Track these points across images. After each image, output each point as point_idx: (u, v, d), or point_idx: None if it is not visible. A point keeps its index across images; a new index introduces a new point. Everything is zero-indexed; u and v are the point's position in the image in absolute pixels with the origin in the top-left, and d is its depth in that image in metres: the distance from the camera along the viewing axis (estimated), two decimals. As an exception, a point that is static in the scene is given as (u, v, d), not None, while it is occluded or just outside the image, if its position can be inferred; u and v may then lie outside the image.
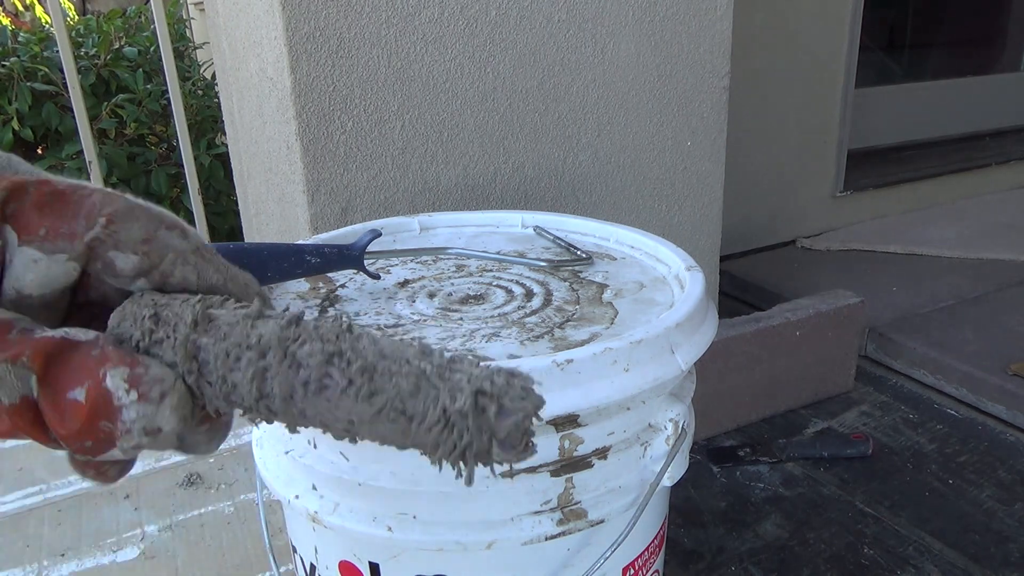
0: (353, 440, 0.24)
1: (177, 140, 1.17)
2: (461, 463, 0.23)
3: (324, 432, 0.24)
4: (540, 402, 0.23)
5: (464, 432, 0.22)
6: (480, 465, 0.23)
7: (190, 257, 0.25)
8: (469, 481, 0.23)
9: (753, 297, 1.66)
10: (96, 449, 0.22)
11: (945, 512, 1.01)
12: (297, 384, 0.23)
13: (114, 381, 0.22)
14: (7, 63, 1.64)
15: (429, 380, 0.23)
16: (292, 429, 0.24)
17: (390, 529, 0.49)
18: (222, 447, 1.21)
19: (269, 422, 0.24)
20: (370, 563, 0.52)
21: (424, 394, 0.23)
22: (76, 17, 2.47)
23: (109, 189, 0.25)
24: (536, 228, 0.77)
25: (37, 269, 0.23)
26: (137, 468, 1.23)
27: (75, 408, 0.22)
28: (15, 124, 1.61)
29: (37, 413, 0.22)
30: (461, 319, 0.57)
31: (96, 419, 0.22)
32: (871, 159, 2.08)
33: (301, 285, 0.64)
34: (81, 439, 0.22)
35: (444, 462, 0.23)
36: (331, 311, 0.60)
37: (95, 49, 1.80)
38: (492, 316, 0.58)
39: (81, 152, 1.16)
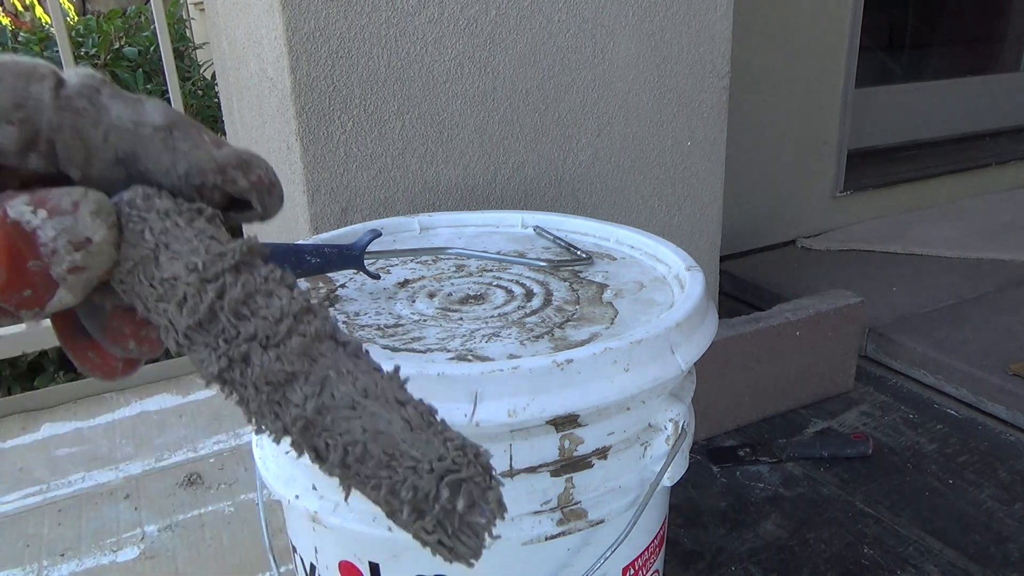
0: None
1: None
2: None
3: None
4: (500, 496, 0.22)
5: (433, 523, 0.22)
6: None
7: (64, 117, 0.21)
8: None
9: (753, 297, 1.66)
10: (37, 297, 0.20)
11: (945, 512, 1.01)
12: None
13: (16, 208, 0.20)
14: (7, 63, 1.63)
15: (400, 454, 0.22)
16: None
17: (390, 529, 0.49)
18: (222, 447, 1.20)
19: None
20: (370, 563, 0.52)
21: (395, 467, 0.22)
22: (76, 17, 2.47)
23: None
24: (536, 228, 0.77)
25: None
26: (137, 468, 1.23)
27: None
28: (15, 124, 1.61)
29: None
30: (461, 319, 0.57)
31: (17, 260, 0.20)
32: (871, 159, 2.08)
33: (301, 285, 0.64)
34: (16, 288, 0.20)
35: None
36: (331, 311, 0.60)
37: (95, 49, 1.80)
38: (492, 316, 0.58)
39: (81, 152, 1.16)
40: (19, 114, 0.21)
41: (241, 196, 0.24)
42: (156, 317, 0.22)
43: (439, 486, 0.21)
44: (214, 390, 0.24)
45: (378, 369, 0.23)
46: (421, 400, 0.23)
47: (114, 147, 0.22)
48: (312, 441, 0.22)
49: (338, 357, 0.23)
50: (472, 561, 0.22)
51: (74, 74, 0.22)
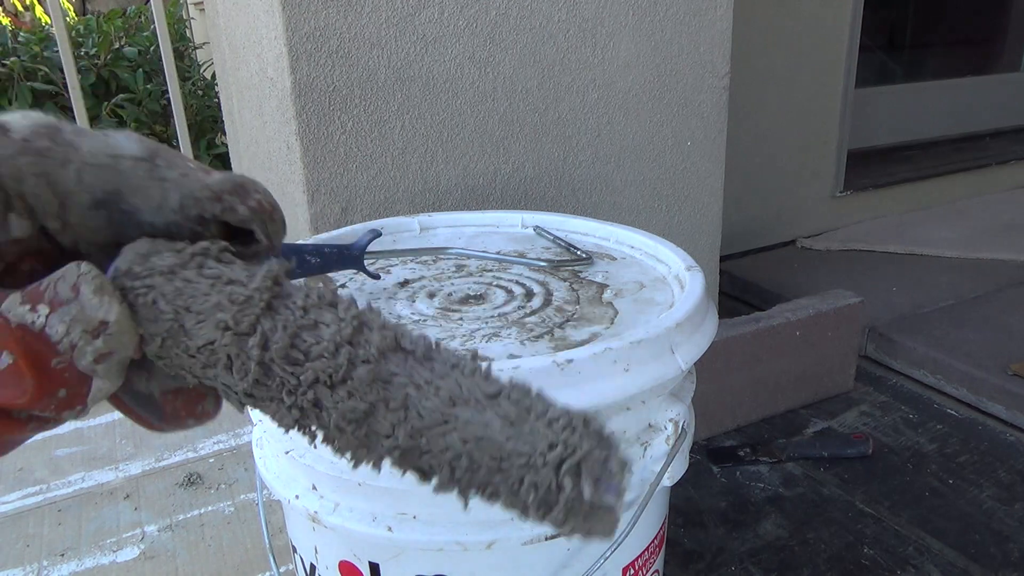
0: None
1: (177, 140, 1.17)
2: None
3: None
4: (622, 457, 0.20)
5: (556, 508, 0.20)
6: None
7: (21, 162, 0.19)
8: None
9: (753, 297, 1.66)
10: (75, 394, 0.18)
11: (945, 512, 1.01)
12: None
13: (15, 312, 0.18)
14: (7, 63, 1.64)
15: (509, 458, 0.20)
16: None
17: (390, 529, 0.49)
18: (222, 447, 1.21)
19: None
20: (370, 563, 0.52)
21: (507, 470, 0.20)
22: (76, 17, 2.47)
23: None
24: (536, 228, 0.77)
25: None
26: (137, 468, 1.24)
27: (13, 371, 0.18)
28: (15, 124, 1.61)
29: None
30: (461, 319, 0.57)
31: (39, 363, 0.18)
32: (871, 159, 2.08)
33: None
34: (49, 393, 0.18)
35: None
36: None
37: (95, 49, 1.80)
38: (492, 316, 0.58)
39: (81, 152, 1.16)
40: None
41: (242, 225, 0.22)
42: (210, 383, 0.20)
43: (559, 477, 0.20)
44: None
45: (456, 364, 0.21)
46: (511, 381, 0.21)
47: (91, 188, 0.20)
48: (414, 465, 0.21)
49: (411, 369, 0.21)
50: (611, 536, 0.20)
51: (20, 116, 0.20)
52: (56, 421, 0.19)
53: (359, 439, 0.20)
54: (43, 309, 0.18)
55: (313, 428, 0.21)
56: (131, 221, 0.20)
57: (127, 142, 0.20)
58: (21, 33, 1.86)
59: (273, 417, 0.21)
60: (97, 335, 0.18)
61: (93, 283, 0.19)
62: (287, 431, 0.21)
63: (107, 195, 0.20)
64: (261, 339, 0.20)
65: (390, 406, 0.20)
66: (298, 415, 0.20)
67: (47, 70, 1.67)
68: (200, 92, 1.96)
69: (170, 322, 0.20)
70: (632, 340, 0.48)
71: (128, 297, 0.20)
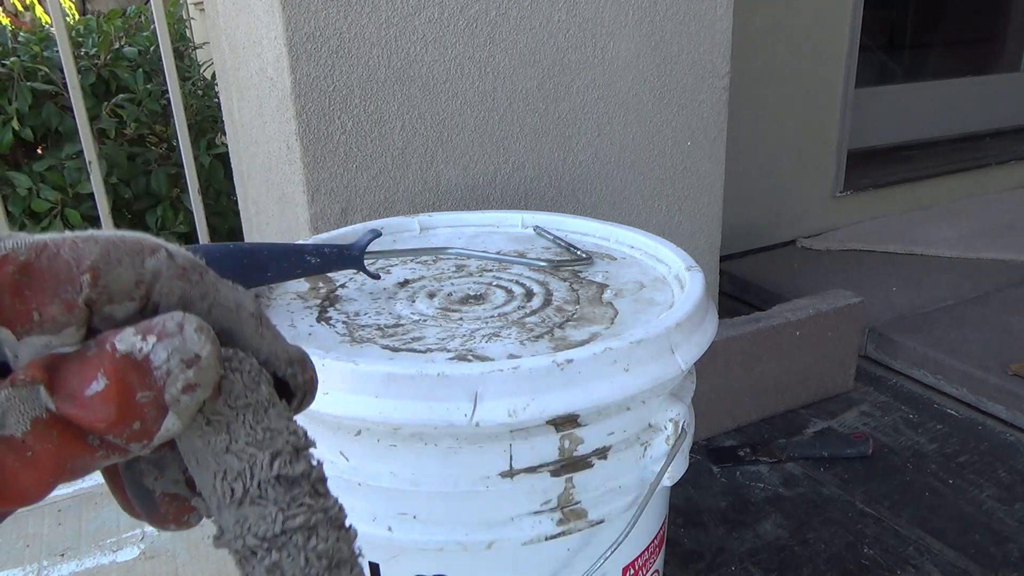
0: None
1: (177, 140, 1.17)
2: None
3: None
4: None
5: None
6: None
7: (176, 285, 0.23)
8: None
9: (753, 297, 1.66)
10: (147, 428, 0.21)
11: (945, 512, 1.01)
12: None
13: (126, 341, 0.20)
14: (7, 63, 1.64)
15: None
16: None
17: (390, 529, 0.49)
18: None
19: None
20: (370, 563, 0.52)
21: None
22: (76, 17, 2.47)
23: (72, 232, 0.22)
24: (536, 228, 0.77)
25: (51, 349, 0.21)
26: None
27: (102, 396, 0.20)
28: (15, 124, 1.61)
29: (64, 426, 0.20)
30: (461, 319, 0.57)
31: (129, 392, 0.20)
32: (871, 159, 2.08)
33: (301, 285, 0.64)
34: (126, 422, 0.20)
35: None
36: (331, 311, 0.60)
37: (95, 49, 1.80)
38: (492, 316, 0.58)
39: (81, 152, 1.16)
40: (141, 291, 0.22)
41: (293, 390, 0.26)
42: (231, 459, 0.23)
43: None
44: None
45: None
46: None
47: (214, 322, 0.23)
48: None
49: None
50: None
51: (178, 248, 0.23)
52: (122, 452, 0.22)
53: None
54: (151, 339, 0.21)
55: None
56: None
57: (248, 298, 0.25)
58: (21, 33, 1.86)
59: (257, 522, 0.23)
60: (191, 366, 0.21)
61: (196, 323, 0.22)
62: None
63: (221, 332, 0.23)
64: (307, 467, 0.24)
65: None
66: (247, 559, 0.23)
67: (47, 70, 1.67)
68: (200, 92, 1.96)
69: (262, 400, 0.23)
70: (632, 340, 0.48)
71: (232, 363, 0.23)
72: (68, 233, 0.22)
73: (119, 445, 0.21)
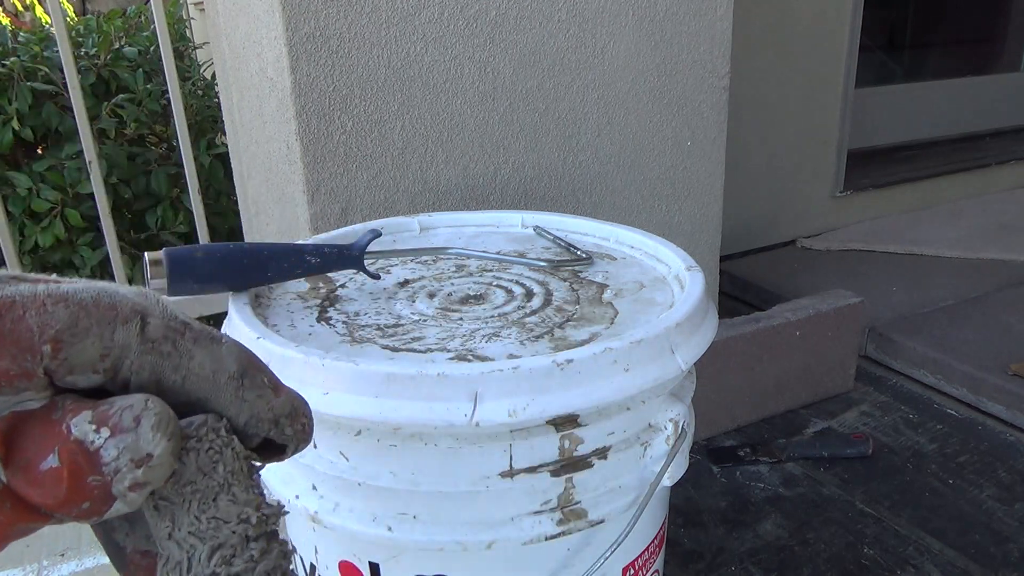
0: None
1: (177, 140, 1.17)
2: None
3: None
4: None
5: None
6: None
7: (145, 360, 0.22)
8: None
9: (753, 297, 1.66)
10: (95, 508, 0.21)
11: (945, 512, 1.01)
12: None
13: (80, 428, 0.20)
14: (7, 63, 1.64)
15: None
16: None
17: (390, 529, 0.49)
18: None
19: None
20: (370, 563, 0.52)
21: None
22: (76, 17, 2.47)
23: (47, 288, 0.21)
24: (536, 228, 0.77)
25: (12, 406, 0.21)
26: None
27: (54, 475, 0.20)
28: (15, 124, 1.61)
29: (17, 498, 0.20)
30: (461, 319, 0.57)
31: (79, 476, 0.20)
32: (871, 159, 2.08)
33: (301, 285, 0.64)
34: (75, 503, 0.20)
35: None
36: (331, 311, 0.60)
37: (95, 49, 1.80)
38: (492, 316, 0.58)
39: (81, 152, 1.16)
40: (105, 364, 0.21)
41: (283, 443, 0.25)
42: (172, 546, 0.22)
43: None
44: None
45: None
46: None
47: (188, 393, 0.23)
48: None
49: None
50: None
51: (159, 314, 0.23)
52: (69, 520, 0.21)
53: None
54: (105, 432, 0.20)
55: None
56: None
57: (229, 359, 0.23)
58: (21, 33, 1.86)
59: None
60: (140, 466, 0.21)
61: (154, 419, 0.21)
62: None
63: (196, 401, 0.23)
64: (261, 549, 0.23)
65: None
66: None
67: (47, 70, 1.67)
68: (200, 92, 1.96)
69: (216, 485, 0.22)
70: (632, 340, 0.48)
71: (190, 442, 0.22)
72: (42, 288, 0.21)
73: (66, 519, 0.21)
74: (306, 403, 0.25)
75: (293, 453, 0.25)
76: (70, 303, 0.21)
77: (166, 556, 0.22)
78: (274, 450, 0.25)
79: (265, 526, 0.23)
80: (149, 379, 0.22)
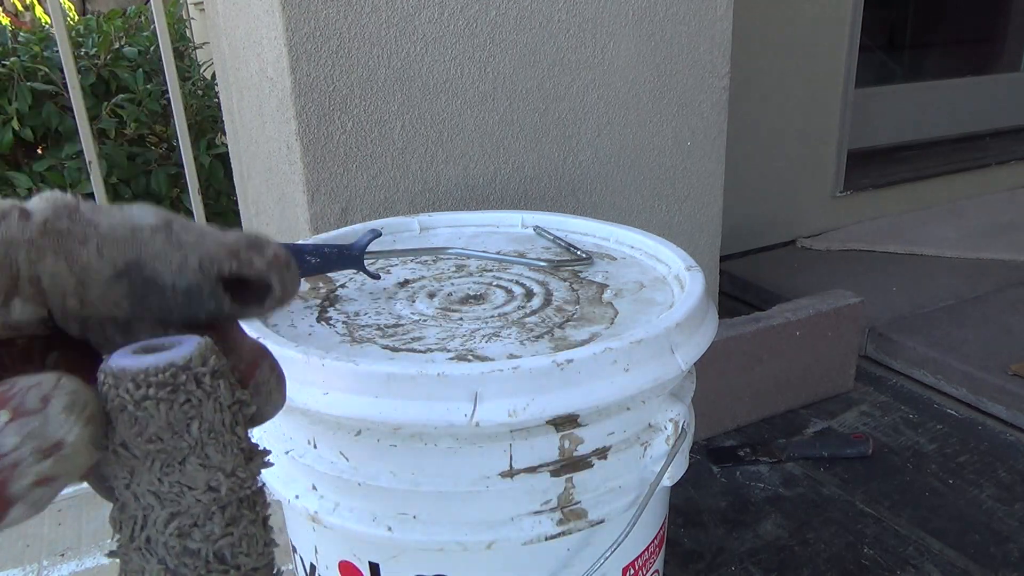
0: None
1: (177, 140, 1.17)
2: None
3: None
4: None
5: None
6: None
7: (43, 245, 0.19)
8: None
9: (753, 297, 1.66)
10: None
11: (945, 512, 1.01)
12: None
13: None
14: (7, 63, 1.64)
15: None
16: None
17: (390, 529, 0.49)
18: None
19: None
20: (370, 563, 0.52)
21: None
22: (76, 17, 2.47)
23: None
24: (536, 228, 0.77)
25: None
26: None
27: None
28: (15, 124, 1.61)
29: None
30: (461, 319, 0.57)
31: None
32: (871, 159, 2.08)
33: (301, 285, 0.64)
34: None
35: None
36: (331, 311, 0.60)
37: (95, 49, 1.80)
38: (492, 316, 0.58)
39: (81, 152, 1.16)
40: None
41: (260, 279, 0.21)
42: (128, 496, 0.19)
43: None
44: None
45: None
46: None
47: (112, 260, 0.20)
48: None
49: None
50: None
51: (39, 199, 0.20)
52: None
53: None
54: (3, 416, 0.17)
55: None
56: (153, 288, 0.20)
57: (143, 213, 0.20)
58: (21, 33, 1.86)
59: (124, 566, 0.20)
60: (48, 456, 0.17)
61: (66, 398, 0.17)
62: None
63: (128, 265, 0.20)
64: (227, 520, 0.20)
65: None
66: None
67: (47, 70, 1.67)
68: (200, 92, 1.96)
69: (186, 447, 0.19)
70: (632, 340, 0.48)
71: (158, 393, 0.19)
72: None
73: None
74: (270, 238, 0.22)
75: (283, 288, 0.22)
76: None
77: (121, 503, 0.19)
78: (256, 294, 0.21)
79: (238, 491, 0.20)
80: (58, 264, 0.19)
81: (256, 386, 0.21)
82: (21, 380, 0.17)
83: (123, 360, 0.19)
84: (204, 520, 0.19)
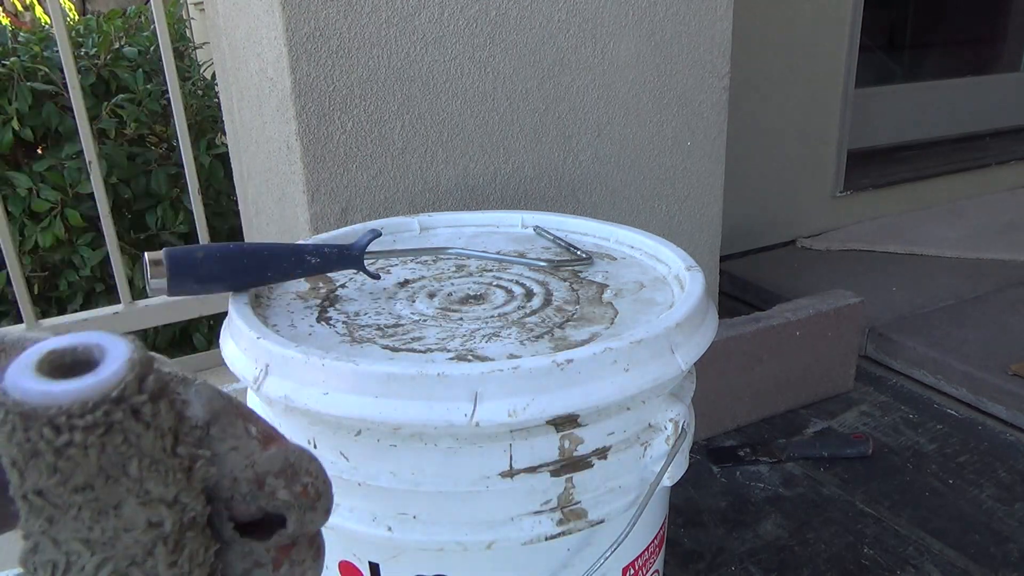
0: None
1: (177, 140, 1.17)
2: None
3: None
4: None
5: None
6: None
7: None
8: None
9: (753, 297, 1.66)
10: None
11: (945, 512, 1.01)
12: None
13: None
14: (7, 63, 1.64)
15: None
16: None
17: (390, 529, 0.49)
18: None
19: None
20: (370, 563, 0.52)
21: None
22: (76, 17, 2.47)
23: None
24: (536, 228, 0.77)
25: None
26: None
27: None
28: (15, 124, 1.61)
29: None
30: (461, 319, 0.57)
31: None
32: (871, 159, 2.08)
33: (301, 285, 0.64)
34: None
35: None
36: (331, 311, 0.60)
37: (95, 49, 1.80)
38: (492, 316, 0.58)
39: (81, 152, 1.16)
40: None
41: (277, 512, 0.19)
42: (45, 541, 0.16)
43: None
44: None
45: None
46: None
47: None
48: None
49: None
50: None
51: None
52: None
53: None
54: None
55: None
56: None
57: (197, 404, 0.18)
58: (21, 33, 1.85)
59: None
60: None
61: None
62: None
63: None
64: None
65: None
66: None
67: (47, 70, 1.67)
68: (200, 92, 1.96)
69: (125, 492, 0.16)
70: (632, 340, 0.48)
71: (87, 439, 0.15)
72: None
73: None
74: (315, 460, 0.19)
75: (300, 527, 0.19)
76: None
77: (34, 543, 0.16)
78: (272, 524, 0.19)
79: (183, 517, 0.16)
80: None
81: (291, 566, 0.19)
82: None
83: (26, 384, 0.15)
84: (144, 558, 0.16)
